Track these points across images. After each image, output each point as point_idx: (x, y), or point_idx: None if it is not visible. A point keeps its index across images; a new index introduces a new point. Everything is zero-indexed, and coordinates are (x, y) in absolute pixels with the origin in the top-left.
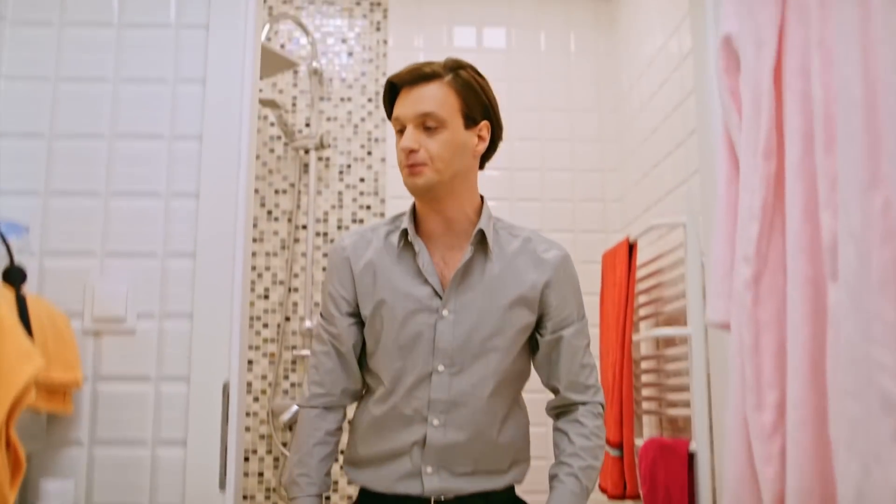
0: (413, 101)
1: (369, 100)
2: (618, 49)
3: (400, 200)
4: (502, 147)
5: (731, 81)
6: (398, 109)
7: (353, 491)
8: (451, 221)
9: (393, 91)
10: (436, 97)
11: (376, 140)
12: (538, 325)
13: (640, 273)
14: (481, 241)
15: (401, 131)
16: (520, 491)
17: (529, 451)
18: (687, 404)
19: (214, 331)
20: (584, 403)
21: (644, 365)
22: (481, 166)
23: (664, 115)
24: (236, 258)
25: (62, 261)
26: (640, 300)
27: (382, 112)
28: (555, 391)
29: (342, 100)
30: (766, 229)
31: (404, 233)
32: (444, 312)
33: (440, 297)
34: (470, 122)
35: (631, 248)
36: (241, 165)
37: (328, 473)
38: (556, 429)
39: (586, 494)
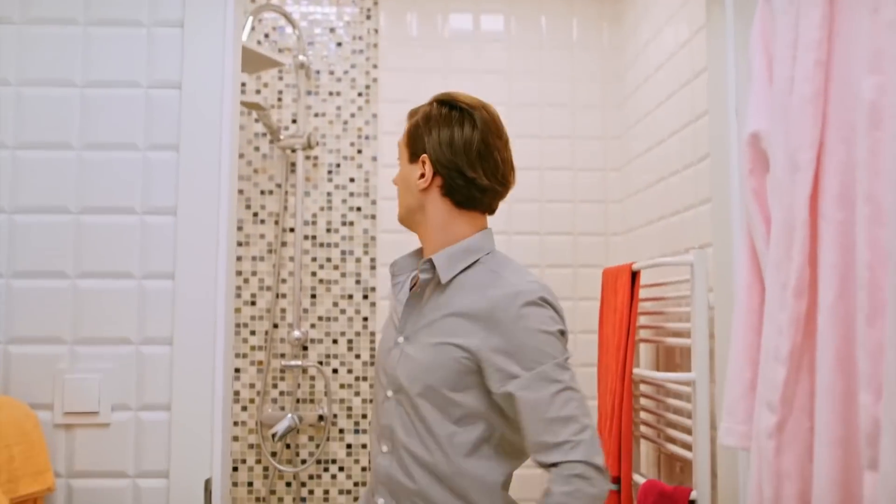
0: None
1: (359, 94)
2: (625, 43)
3: (392, 202)
4: None
5: (757, 183)
6: None
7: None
8: (427, 253)
9: None
10: (400, 136)
11: (367, 137)
12: (486, 375)
13: (643, 296)
14: (433, 272)
15: None
16: None
17: None
18: (688, 446)
19: (195, 423)
20: (554, 465)
21: (644, 392)
22: (468, 208)
23: (672, 132)
24: (217, 343)
25: (29, 348)
26: (642, 321)
27: (373, 108)
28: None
29: (331, 94)
30: (794, 373)
31: (392, 265)
32: (400, 339)
33: (396, 327)
34: (413, 156)
35: (634, 276)
36: (219, 243)
37: None
38: None
39: None
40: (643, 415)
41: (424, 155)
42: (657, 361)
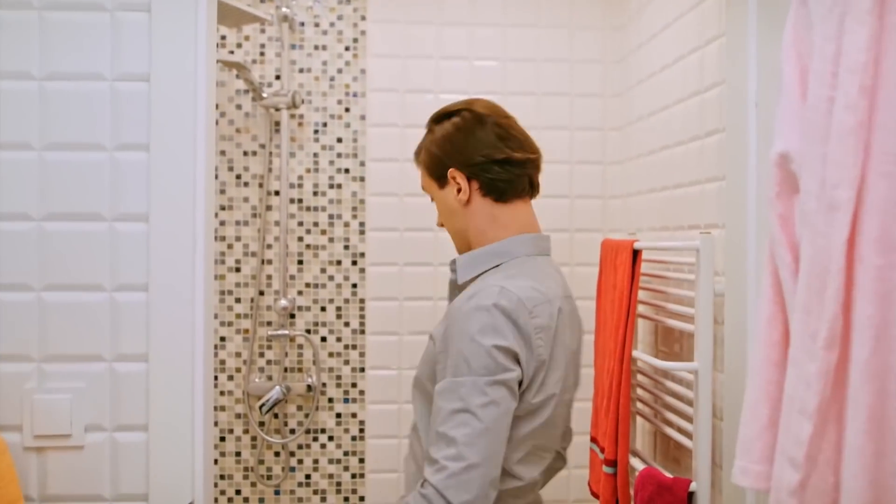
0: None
1: (346, 48)
2: (627, 25)
3: (382, 163)
4: None
5: (785, 208)
6: None
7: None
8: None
9: None
10: (421, 175)
11: (355, 95)
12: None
13: (644, 271)
14: (454, 275)
15: None
16: None
17: None
18: (688, 434)
19: (174, 444)
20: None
21: (642, 369)
22: (511, 197)
23: (678, 99)
24: (196, 359)
25: None
26: (642, 297)
27: (361, 63)
28: None
29: (316, 48)
30: (820, 427)
31: (451, 262)
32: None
33: None
34: (441, 181)
35: (636, 255)
36: (196, 251)
37: None
38: None
39: None
40: (640, 392)
41: (451, 170)
42: (655, 342)
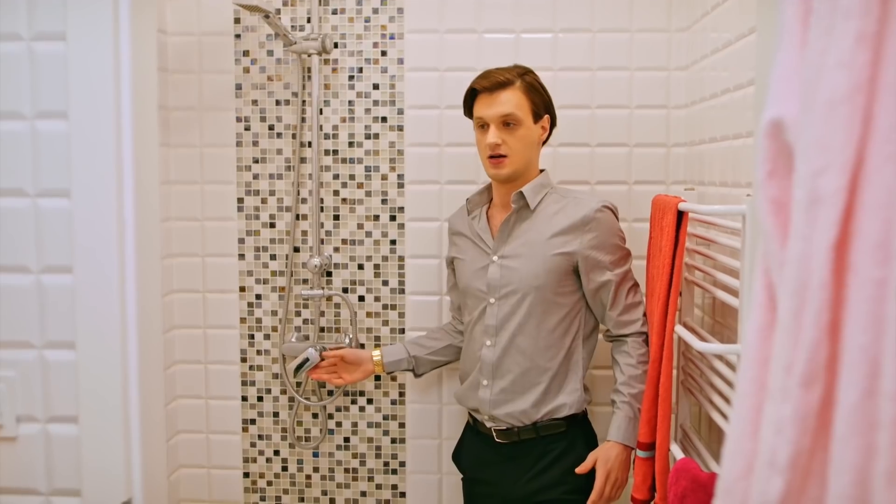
0: (495, 104)
1: None
2: None
3: (421, 111)
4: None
5: (780, 190)
6: (482, 111)
7: None
8: (518, 188)
9: (472, 94)
10: (512, 100)
11: (391, 37)
12: (579, 269)
13: (690, 231)
14: (523, 202)
15: (482, 127)
16: None
17: (577, 385)
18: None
19: (105, 437)
20: (628, 335)
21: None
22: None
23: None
24: (128, 346)
25: None
26: (693, 262)
27: (399, 1)
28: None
29: None
30: (794, 486)
31: (468, 201)
32: (495, 258)
33: (490, 249)
34: (536, 117)
35: (680, 216)
36: (125, 230)
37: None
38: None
39: (640, 415)
40: (690, 368)
41: (547, 115)
42: (706, 314)
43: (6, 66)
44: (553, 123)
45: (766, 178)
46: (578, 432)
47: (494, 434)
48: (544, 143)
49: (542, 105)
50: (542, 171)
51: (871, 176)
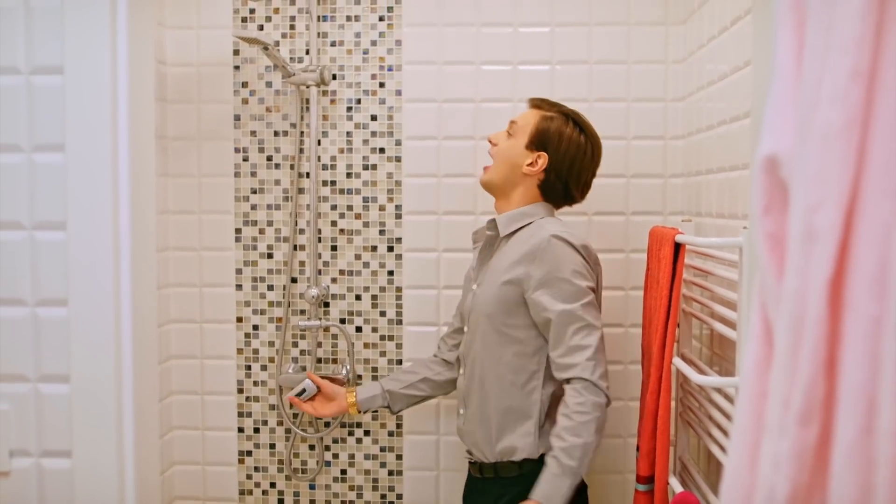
0: (519, 115)
1: (381, 18)
2: None
3: (419, 142)
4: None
5: (776, 226)
6: None
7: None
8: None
9: None
10: (527, 117)
11: (390, 69)
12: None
13: (687, 262)
14: (496, 230)
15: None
16: None
17: (531, 429)
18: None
19: (99, 473)
20: (567, 381)
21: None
22: (549, 200)
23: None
24: (123, 379)
25: None
26: (690, 293)
27: (397, 33)
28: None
29: (348, 18)
30: None
31: (474, 233)
32: (474, 286)
33: (474, 277)
34: (532, 145)
35: (678, 248)
36: (120, 260)
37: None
38: None
39: (571, 472)
40: (689, 400)
41: (545, 155)
42: (703, 346)
43: (4, 99)
44: (560, 182)
45: (762, 213)
46: (537, 479)
47: (469, 465)
48: (544, 189)
49: (544, 140)
50: (543, 203)
51: (867, 211)
